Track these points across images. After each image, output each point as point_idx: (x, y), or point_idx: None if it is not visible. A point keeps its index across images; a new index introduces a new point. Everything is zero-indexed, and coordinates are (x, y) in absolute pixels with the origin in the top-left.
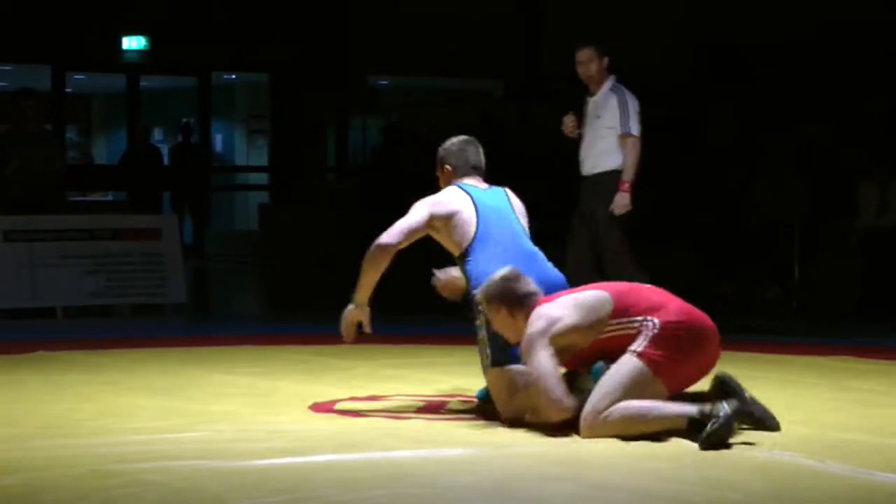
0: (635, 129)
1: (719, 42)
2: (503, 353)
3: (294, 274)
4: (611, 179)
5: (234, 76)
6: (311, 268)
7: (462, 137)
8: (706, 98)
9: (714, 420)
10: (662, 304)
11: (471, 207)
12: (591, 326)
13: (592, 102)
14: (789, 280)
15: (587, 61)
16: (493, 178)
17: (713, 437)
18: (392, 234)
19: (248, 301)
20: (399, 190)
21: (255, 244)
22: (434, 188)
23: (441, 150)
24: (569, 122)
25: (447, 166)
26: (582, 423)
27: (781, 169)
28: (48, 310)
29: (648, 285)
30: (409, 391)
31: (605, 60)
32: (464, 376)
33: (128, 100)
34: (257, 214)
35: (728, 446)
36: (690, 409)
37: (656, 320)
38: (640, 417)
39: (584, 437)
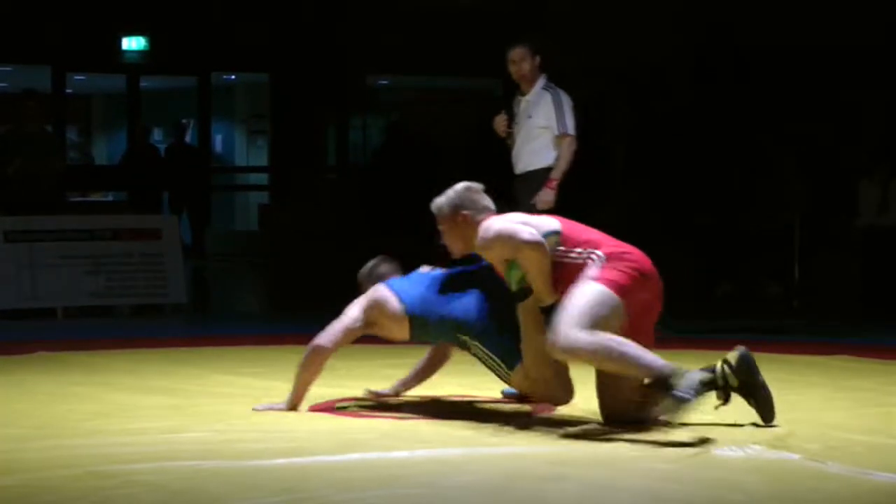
0: (571, 127)
1: (719, 41)
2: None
3: (294, 274)
4: (543, 177)
5: (233, 76)
6: (311, 268)
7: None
8: (706, 97)
9: (676, 391)
10: (600, 242)
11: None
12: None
13: (524, 102)
14: (790, 279)
15: (519, 60)
16: (494, 176)
17: (670, 406)
18: (328, 337)
19: (249, 301)
20: (400, 190)
21: (256, 244)
22: (433, 187)
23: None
24: (500, 121)
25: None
26: (552, 343)
27: (782, 168)
28: (48, 310)
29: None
30: (409, 391)
31: (538, 59)
32: (463, 376)
33: (128, 100)
34: (257, 214)
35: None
36: (661, 365)
37: (599, 252)
38: (611, 351)
39: (556, 358)
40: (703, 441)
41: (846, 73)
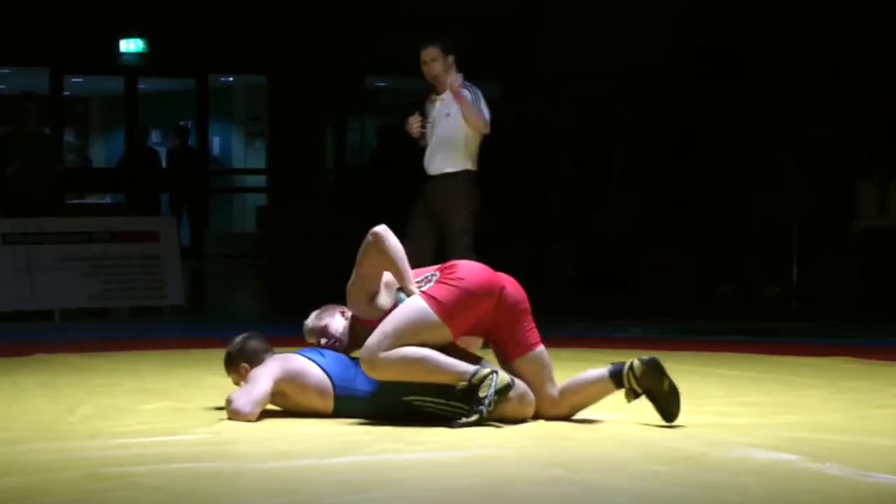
0: (488, 117)
1: (719, 41)
2: None
3: (292, 276)
4: (460, 180)
5: (231, 78)
6: (309, 270)
7: None
8: (706, 98)
9: (478, 401)
10: (451, 263)
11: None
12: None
13: (440, 101)
14: (788, 280)
15: (430, 61)
16: (491, 180)
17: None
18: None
19: (247, 303)
20: (397, 192)
21: (254, 246)
22: None
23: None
24: (414, 122)
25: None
26: (361, 362)
27: (781, 169)
28: (46, 312)
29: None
30: None
31: (451, 59)
32: None
33: (125, 102)
34: (255, 216)
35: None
36: (466, 369)
37: (437, 273)
38: (418, 362)
39: (368, 375)
40: (702, 442)
41: (845, 73)
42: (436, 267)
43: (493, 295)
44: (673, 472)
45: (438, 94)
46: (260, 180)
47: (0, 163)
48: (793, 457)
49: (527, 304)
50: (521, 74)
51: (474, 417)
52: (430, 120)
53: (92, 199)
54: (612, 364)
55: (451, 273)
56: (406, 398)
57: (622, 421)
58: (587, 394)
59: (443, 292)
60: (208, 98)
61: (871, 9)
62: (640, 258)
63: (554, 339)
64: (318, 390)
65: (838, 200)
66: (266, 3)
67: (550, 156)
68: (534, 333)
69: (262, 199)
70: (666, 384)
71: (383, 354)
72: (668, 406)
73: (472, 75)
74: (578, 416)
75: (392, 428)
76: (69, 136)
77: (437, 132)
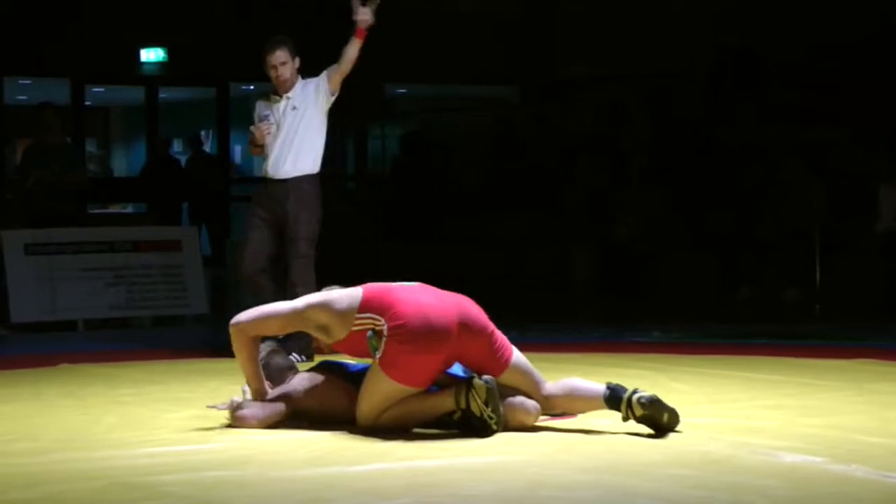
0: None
1: (737, 45)
2: None
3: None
4: (312, 184)
5: (252, 86)
6: (331, 278)
7: None
8: (724, 101)
9: (480, 421)
10: (394, 304)
11: None
12: (343, 313)
13: (285, 100)
14: (810, 283)
15: (281, 64)
16: (511, 184)
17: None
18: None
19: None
20: (418, 199)
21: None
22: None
23: None
24: (264, 127)
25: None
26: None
27: (801, 173)
28: (69, 322)
29: (408, 284)
30: None
31: (298, 61)
32: None
33: (146, 111)
34: None
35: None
36: (449, 396)
37: (385, 323)
38: (408, 415)
39: None
40: (727, 446)
41: (864, 74)
42: (382, 305)
43: (451, 337)
44: (698, 475)
45: (280, 96)
46: None
47: (22, 175)
48: (817, 459)
49: (487, 325)
50: (540, 79)
51: (490, 433)
52: (273, 122)
53: (114, 209)
54: (609, 387)
55: (399, 328)
56: None
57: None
58: (577, 405)
59: (397, 358)
60: (229, 106)
61: (890, 10)
62: (661, 262)
63: (575, 344)
64: (348, 397)
65: (859, 204)
66: (284, 11)
67: (570, 160)
68: (505, 347)
69: None
70: (666, 416)
71: (376, 423)
72: (667, 432)
73: (491, 80)
74: (600, 420)
75: (417, 434)
76: (90, 146)
77: (285, 132)
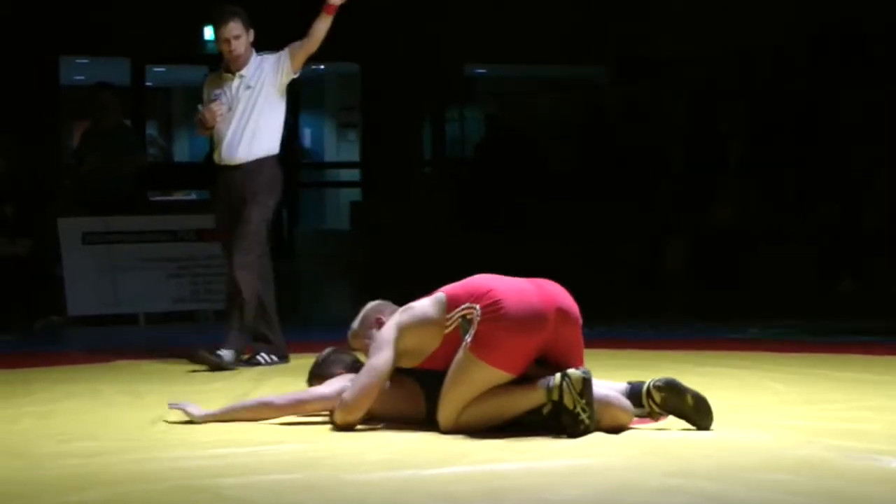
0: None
1: (842, 21)
2: None
3: (388, 275)
4: (269, 166)
5: (322, 66)
6: (405, 268)
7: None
8: (828, 82)
9: (571, 415)
10: (488, 289)
11: None
12: (433, 320)
13: (238, 78)
14: None
15: (235, 38)
16: (599, 170)
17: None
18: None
19: (341, 303)
20: (500, 186)
21: (348, 243)
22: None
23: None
24: (215, 108)
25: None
26: (441, 426)
27: None
28: (130, 316)
29: (480, 275)
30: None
31: (252, 34)
32: None
33: None
34: (349, 212)
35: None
36: (541, 388)
37: (478, 306)
38: (496, 412)
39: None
40: (826, 449)
41: None
42: (472, 294)
43: (549, 320)
44: (794, 480)
45: (233, 73)
46: (353, 174)
47: (79, 160)
48: None
49: (578, 315)
50: (629, 57)
51: (581, 431)
52: (224, 102)
53: (176, 196)
54: (630, 384)
55: (494, 307)
56: None
57: (738, 426)
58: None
59: (491, 339)
60: (298, 87)
61: None
62: (758, 253)
63: (664, 340)
64: (410, 393)
65: None
66: None
67: (661, 145)
68: (582, 342)
69: (355, 194)
70: (689, 399)
71: (459, 421)
72: (698, 419)
73: (577, 59)
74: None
75: (497, 435)
76: (151, 129)
77: (239, 113)
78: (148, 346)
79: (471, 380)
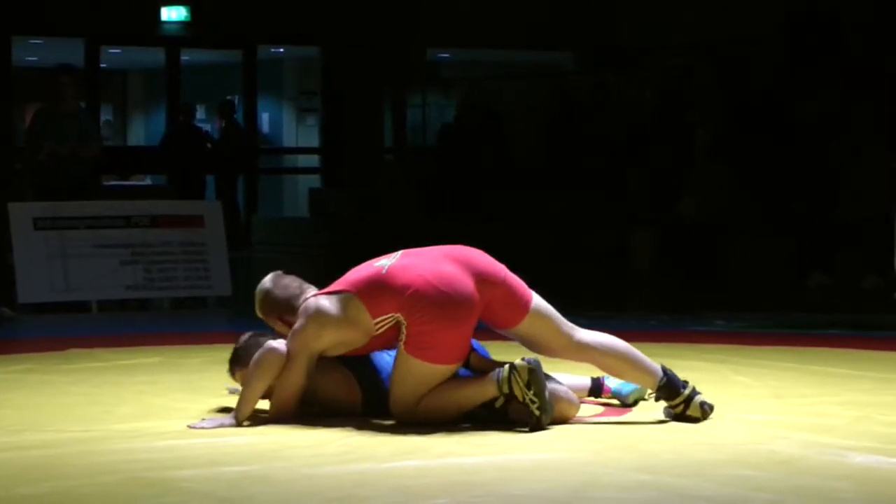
0: None
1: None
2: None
3: (347, 264)
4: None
5: (281, 50)
6: (366, 258)
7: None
8: (801, 73)
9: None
10: (401, 288)
11: None
12: (354, 324)
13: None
14: (889, 270)
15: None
16: (567, 158)
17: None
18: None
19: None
20: (466, 174)
21: (306, 232)
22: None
23: None
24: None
25: None
26: (396, 419)
27: (881, 151)
28: (82, 303)
29: (395, 257)
30: None
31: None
32: None
33: (167, 75)
34: (308, 200)
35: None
36: (491, 381)
37: (401, 315)
38: (449, 405)
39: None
40: (794, 445)
41: None
42: (393, 292)
43: (474, 301)
44: (763, 476)
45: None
46: (312, 160)
47: (32, 144)
48: (893, 460)
49: (500, 271)
50: (599, 45)
51: (535, 420)
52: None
53: (131, 181)
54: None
55: (417, 311)
56: None
57: (707, 421)
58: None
59: (425, 340)
60: (256, 71)
61: None
62: (727, 245)
63: (632, 332)
64: (344, 381)
65: None
66: None
67: (630, 134)
68: (523, 291)
69: (315, 181)
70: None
71: (415, 414)
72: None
73: (544, 45)
74: (659, 416)
75: (457, 429)
76: (106, 113)
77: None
78: (101, 334)
79: (414, 376)
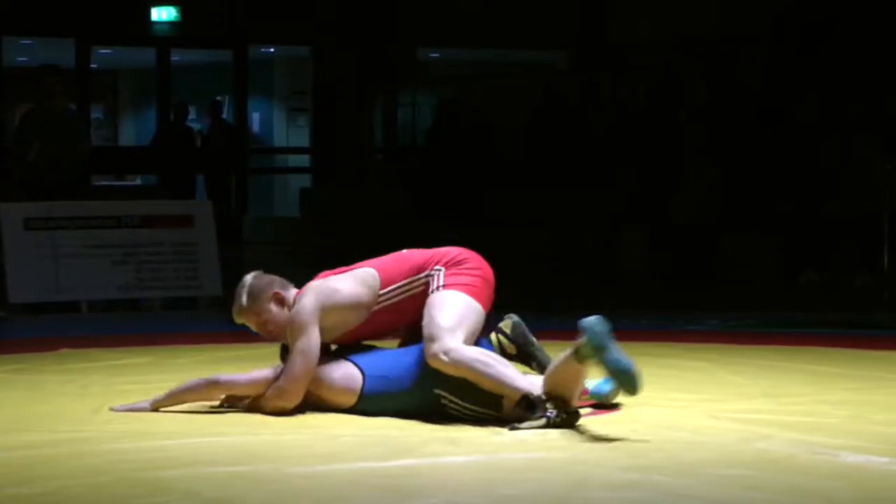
0: None
1: (805, 10)
2: None
3: (338, 263)
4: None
5: (272, 49)
6: (356, 257)
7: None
8: (791, 72)
9: (539, 416)
10: (440, 255)
11: None
12: (365, 303)
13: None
14: (879, 269)
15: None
16: (557, 157)
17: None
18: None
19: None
20: (453, 173)
21: (297, 231)
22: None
23: None
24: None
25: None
26: (434, 353)
27: (872, 150)
28: (72, 304)
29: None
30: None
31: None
32: None
33: (157, 76)
34: (298, 199)
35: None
36: (527, 386)
37: (438, 266)
38: (488, 370)
39: (432, 365)
40: (784, 444)
41: None
42: (431, 258)
43: (493, 284)
44: (754, 475)
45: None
46: (303, 160)
47: (21, 145)
48: (884, 459)
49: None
50: (588, 43)
51: (539, 422)
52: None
53: (122, 181)
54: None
55: (459, 259)
56: (436, 390)
57: (697, 419)
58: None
59: (462, 278)
60: (247, 71)
61: None
62: (719, 244)
63: (623, 332)
64: (345, 381)
65: None
66: None
67: (620, 133)
68: None
69: (305, 181)
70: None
71: (460, 349)
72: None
73: (535, 44)
74: (651, 415)
75: (445, 429)
76: (96, 113)
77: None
78: (92, 334)
79: (455, 301)
